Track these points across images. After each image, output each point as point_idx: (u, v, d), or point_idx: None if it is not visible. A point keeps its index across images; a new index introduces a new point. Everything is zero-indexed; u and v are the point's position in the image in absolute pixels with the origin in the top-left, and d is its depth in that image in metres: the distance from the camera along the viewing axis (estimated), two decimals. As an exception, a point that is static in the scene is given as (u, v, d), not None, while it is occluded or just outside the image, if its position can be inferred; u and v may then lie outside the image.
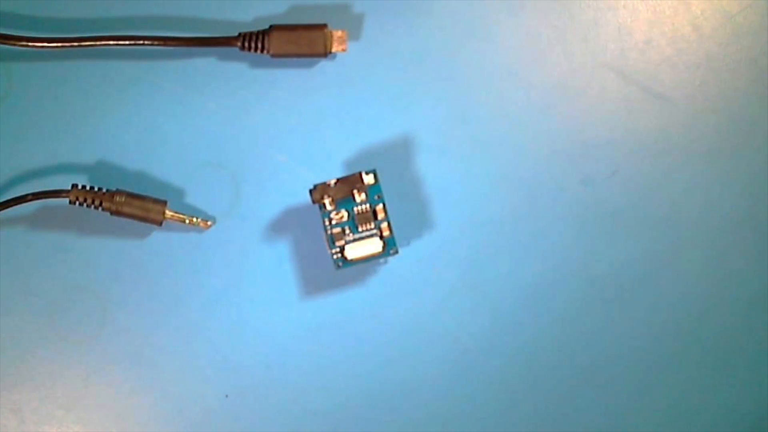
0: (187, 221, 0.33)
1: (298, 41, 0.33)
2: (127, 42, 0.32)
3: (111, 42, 0.32)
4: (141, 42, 0.33)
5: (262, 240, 0.34)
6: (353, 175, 0.32)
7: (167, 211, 0.33)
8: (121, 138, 0.34)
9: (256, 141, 0.34)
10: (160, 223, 0.33)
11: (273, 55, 0.32)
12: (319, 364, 0.34)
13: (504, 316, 0.35)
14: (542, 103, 0.35)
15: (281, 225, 0.34)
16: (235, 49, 0.33)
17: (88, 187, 0.32)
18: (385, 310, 0.34)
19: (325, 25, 0.33)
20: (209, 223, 0.33)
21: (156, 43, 0.33)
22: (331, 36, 0.33)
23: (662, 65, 0.35)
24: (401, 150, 0.34)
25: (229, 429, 0.34)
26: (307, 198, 0.32)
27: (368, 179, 0.32)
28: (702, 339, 0.35)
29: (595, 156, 0.35)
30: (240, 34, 0.33)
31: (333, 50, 0.33)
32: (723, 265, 0.35)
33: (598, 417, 0.35)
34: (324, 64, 0.34)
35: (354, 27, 0.34)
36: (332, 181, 0.32)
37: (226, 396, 0.34)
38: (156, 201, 0.33)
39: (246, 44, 0.32)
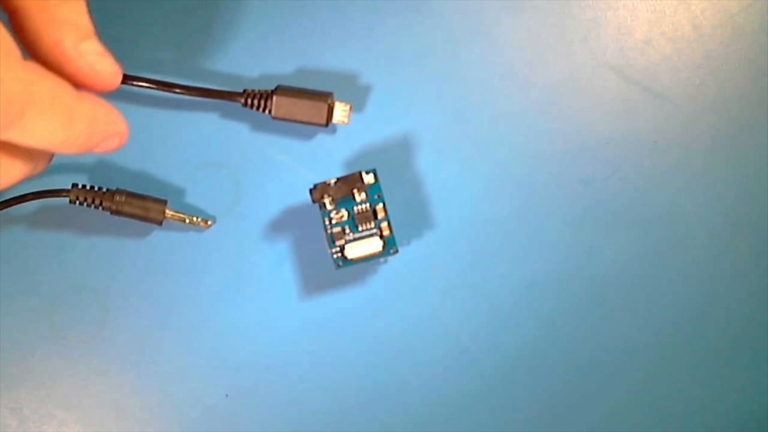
0: (187, 221, 0.33)
1: (301, 108, 0.32)
2: (133, 83, 0.32)
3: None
4: (146, 85, 0.33)
5: (262, 240, 0.34)
6: (353, 174, 0.32)
7: (167, 211, 0.33)
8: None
9: (256, 141, 0.34)
10: (161, 223, 0.33)
11: (274, 117, 0.33)
12: (319, 364, 0.34)
13: (503, 315, 0.35)
14: (542, 103, 0.35)
15: (281, 225, 0.34)
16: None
17: (88, 187, 0.32)
18: (385, 309, 0.34)
19: (330, 95, 0.33)
20: (209, 222, 0.33)
21: (161, 88, 0.33)
22: (335, 107, 0.33)
23: (662, 65, 0.35)
24: (401, 150, 0.34)
25: (229, 429, 0.34)
26: (307, 197, 0.32)
27: (368, 179, 0.32)
28: (701, 338, 0.35)
29: (595, 156, 0.35)
30: (245, 90, 0.33)
31: (334, 121, 0.33)
32: (722, 264, 0.35)
33: (597, 416, 0.35)
34: (324, 62, 0.34)
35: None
36: (332, 181, 0.32)
37: (226, 396, 0.34)
38: (156, 200, 0.33)
39: (249, 102, 0.33)
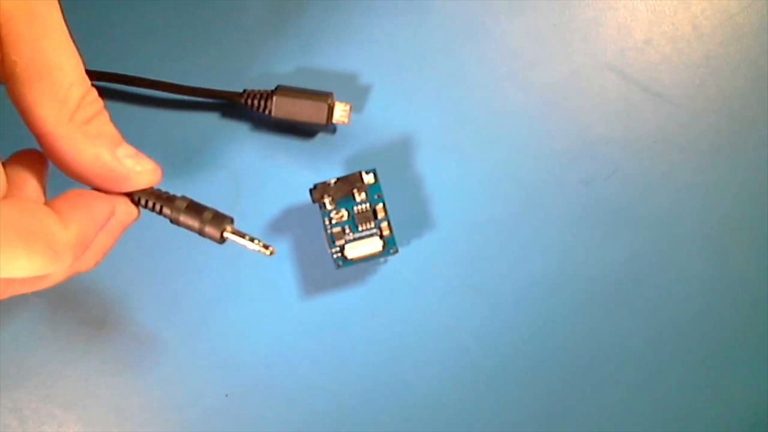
0: (249, 245, 0.28)
1: (301, 108, 0.32)
2: (134, 84, 0.32)
3: (119, 82, 0.32)
4: (147, 85, 0.33)
5: (262, 239, 0.34)
6: (353, 174, 0.32)
7: (228, 229, 0.28)
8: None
9: (256, 141, 0.34)
10: (221, 241, 0.28)
11: (274, 117, 0.33)
12: (319, 364, 0.34)
13: (504, 314, 0.35)
14: (542, 103, 0.35)
15: (281, 225, 0.34)
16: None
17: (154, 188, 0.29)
18: (385, 309, 0.34)
19: (330, 95, 0.33)
20: (270, 249, 0.28)
21: (161, 88, 0.33)
22: (335, 107, 0.33)
23: (662, 65, 0.35)
24: (401, 150, 0.34)
25: (229, 428, 0.34)
26: (307, 197, 0.32)
27: (368, 179, 0.32)
28: (701, 337, 0.35)
29: (595, 156, 0.35)
30: (245, 90, 0.33)
31: (334, 121, 0.33)
32: (722, 263, 0.35)
33: (597, 415, 0.35)
34: (324, 63, 0.34)
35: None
36: (332, 181, 0.32)
37: (226, 395, 0.34)
38: (219, 215, 0.28)
39: (249, 102, 0.33)
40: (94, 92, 0.27)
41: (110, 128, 0.28)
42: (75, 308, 0.34)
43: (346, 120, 0.33)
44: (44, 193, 0.28)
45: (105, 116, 0.27)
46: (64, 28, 0.26)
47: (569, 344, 0.35)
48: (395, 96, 0.34)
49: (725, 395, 0.35)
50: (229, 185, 0.34)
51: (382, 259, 0.34)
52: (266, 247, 0.28)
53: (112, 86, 0.33)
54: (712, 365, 0.35)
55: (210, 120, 0.34)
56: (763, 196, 0.35)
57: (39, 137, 0.27)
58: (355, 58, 0.34)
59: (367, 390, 0.34)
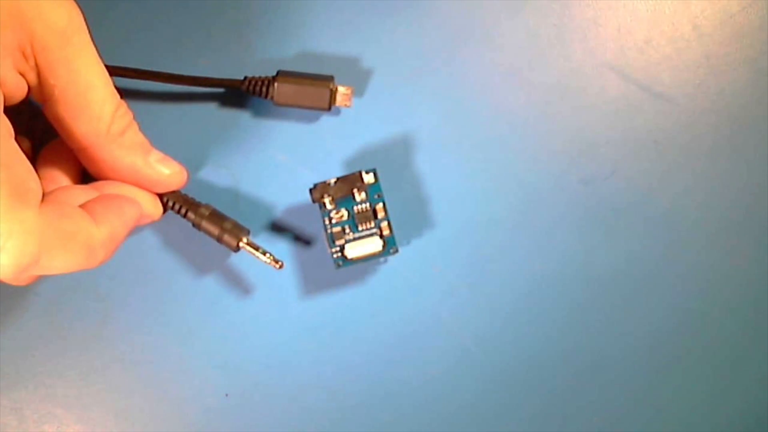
0: (261, 257, 0.32)
1: (303, 93, 0.32)
2: (133, 75, 0.32)
3: (115, 75, 0.32)
4: (147, 77, 0.32)
5: (262, 240, 0.34)
6: (353, 174, 0.32)
7: (243, 239, 0.32)
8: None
9: (256, 141, 0.34)
10: (235, 249, 0.32)
11: (276, 104, 0.32)
12: (319, 364, 0.34)
13: (504, 315, 0.35)
14: (542, 103, 0.35)
15: (281, 225, 0.34)
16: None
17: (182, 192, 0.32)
18: (385, 309, 0.34)
19: (331, 78, 0.33)
20: (280, 263, 0.32)
21: (162, 79, 0.32)
22: (337, 91, 0.33)
23: (662, 64, 0.35)
24: (401, 150, 0.34)
25: (229, 428, 0.34)
26: (307, 197, 0.32)
27: (368, 178, 0.32)
28: (701, 337, 0.35)
29: (595, 156, 0.35)
30: (246, 78, 0.33)
31: (337, 104, 0.33)
32: (722, 264, 0.35)
33: (598, 416, 0.35)
34: (323, 63, 0.34)
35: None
36: (332, 180, 0.32)
37: (226, 395, 0.34)
38: (237, 226, 0.32)
39: (251, 88, 0.32)
40: (124, 105, 0.29)
41: (141, 137, 0.30)
42: (75, 308, 0.34)
43: (348, 103, 0.33)
44: (77, 179, 0.31)
45: (135, 126, 0.30)
46: (93, 48, 0.27)
47: (569, 344, 0.35)
48: (395, 96, 0.34)
49: (726, 395, 0.35)
50: (229, 185, 0.34)
51: (382, 259, 0.34)
52: (276, 261, 0.32)
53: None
54: (713, 365, 0.35)
55: (210, 120, 0.34)
56: (763, 195, 0.35)
57: (78, 151, 0.29)
58: (354, 58, 0.34)
59: (367, 390, 0.34)
